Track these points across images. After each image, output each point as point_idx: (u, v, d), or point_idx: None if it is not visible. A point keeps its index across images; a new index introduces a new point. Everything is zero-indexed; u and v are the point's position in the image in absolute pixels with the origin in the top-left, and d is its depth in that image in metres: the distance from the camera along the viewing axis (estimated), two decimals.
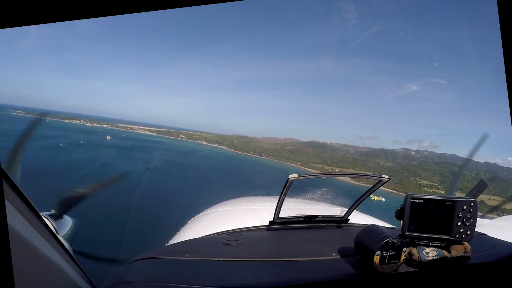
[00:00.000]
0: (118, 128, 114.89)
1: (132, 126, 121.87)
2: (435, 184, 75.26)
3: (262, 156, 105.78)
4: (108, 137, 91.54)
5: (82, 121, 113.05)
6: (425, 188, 71.78)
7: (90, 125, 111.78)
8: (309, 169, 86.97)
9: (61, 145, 69.34)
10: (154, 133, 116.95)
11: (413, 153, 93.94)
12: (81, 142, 78.98)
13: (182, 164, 71.24)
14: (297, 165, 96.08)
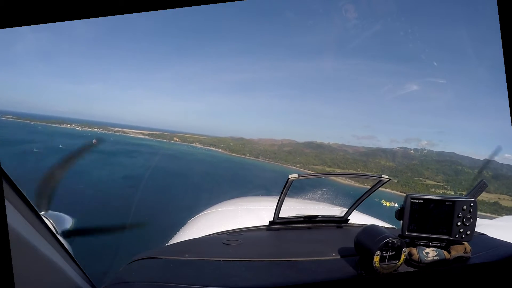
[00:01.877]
0: (110, 132, 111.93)
1: (125, 129, 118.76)
2: (441, 184, 73.97)
3: (259, 159, 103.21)
4: (94, 141, 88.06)
5: (73, 125, 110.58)
6: (433, 189, 70.12)
7: (80, 129, 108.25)
8: (310, 171, 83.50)
9: (34, 150, 63.50)
10: (147, 137, 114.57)
11: (411, 151, 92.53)
12: (60, 147, 71.05)
13: (168, 171, 64.87)
14: (296, 167, 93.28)
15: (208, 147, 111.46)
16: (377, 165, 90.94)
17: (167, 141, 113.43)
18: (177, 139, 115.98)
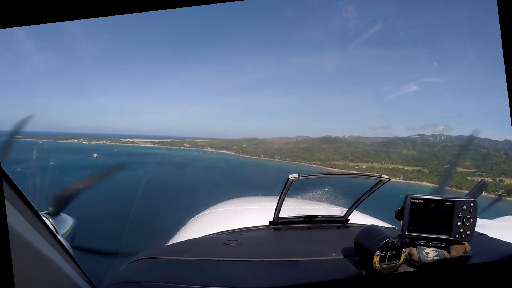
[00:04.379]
0: (118, 144, 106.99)
1: (134, 139, 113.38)
2: (473, 170, 67.14)
3: (275, 159, 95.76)
4: (95, 155, 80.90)
5: (81, 139, 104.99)
6: (470, 177, 62.80)
7: (87, 143, 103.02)
8: (331, 168, 77.13)
9: (18, 170, 58.34)
10: (156, 145, 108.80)
11: (430, 138, 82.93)
12: (51, 163, 64.04)
13: (169, 184, 53.16)
14: (316, 164, 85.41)
15: (220, 151, 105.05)
16: (399, 155, 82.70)
17: (178, 147, 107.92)
18: (188, 145, 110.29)
